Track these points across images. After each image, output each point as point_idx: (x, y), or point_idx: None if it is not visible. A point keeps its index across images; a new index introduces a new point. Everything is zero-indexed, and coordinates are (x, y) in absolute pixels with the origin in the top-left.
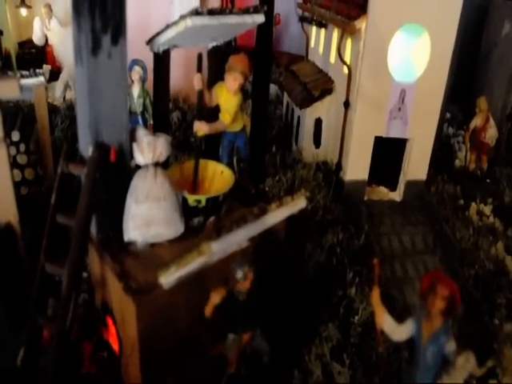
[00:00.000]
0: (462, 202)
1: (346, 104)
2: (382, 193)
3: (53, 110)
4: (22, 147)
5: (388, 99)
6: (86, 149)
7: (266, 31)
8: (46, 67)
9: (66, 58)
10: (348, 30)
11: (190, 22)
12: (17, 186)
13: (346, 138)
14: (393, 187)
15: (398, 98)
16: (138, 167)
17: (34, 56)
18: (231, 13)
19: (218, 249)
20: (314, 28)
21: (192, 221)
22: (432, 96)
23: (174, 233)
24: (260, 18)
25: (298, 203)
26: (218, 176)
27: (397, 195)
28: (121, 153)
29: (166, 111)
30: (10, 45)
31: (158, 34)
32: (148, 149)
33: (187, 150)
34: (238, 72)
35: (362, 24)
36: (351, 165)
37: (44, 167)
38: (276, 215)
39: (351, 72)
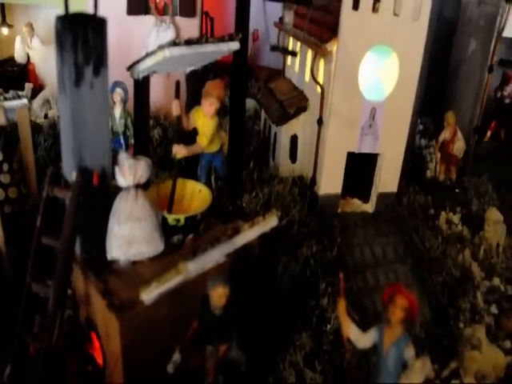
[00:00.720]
0: (432, 211)
1: (320, 122)
2: (356, 205)
3: (36, 128)
4: (6, 167)
5: (359, 117)
6: (70, 173)
7: (241, 55)
8: (28, 85)
9: (48, 75)
10: (320, 52)
11: (168, 52)
12: (0, 204)
13: (320, 154)
14: (366, 199)
15: (369, 115)
16: (119, 188)
17: (16, 74)
18: (207, 42)
19: (194, 268)
20: (291, 47)
21: (172, 239)
22: (401, 113)
23: (155, 251)
24: (235, 46)
25: (270, 222)
26: (197, 195)
27: (369, 207)
28: (103, 176)
29: (147, 131)
30: None
31: (137, 61)
32: (129, 172)
33: (168, 167)
34: (213, 97)
35: (333, 46)
36: (325, 180)
37: (27, 186)
38: (248, 234)
39: (324, 91)
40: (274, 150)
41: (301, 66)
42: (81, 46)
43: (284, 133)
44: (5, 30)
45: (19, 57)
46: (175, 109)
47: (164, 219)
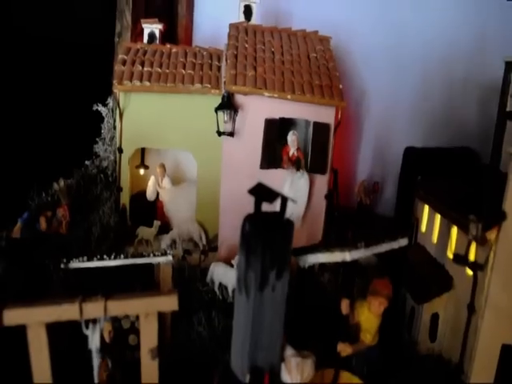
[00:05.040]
0: None
1: (471, 309)
2: None
3: None
4: None
5: None
6: (241, 372)
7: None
8: (157, 223)
9: (175, 214)
10: (478, 242)
11: (348, 256)
12: (131, 350)
13: (470, 343)
14: None
15: None
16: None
17: (145, 210)
18: (383, 242)
19: None
20: (426, 212)
21: None
22: None
23: None
24: (404, 242)
25: None
26: None
27: None
28: (272, 375)
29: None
30: (127, 200)
31: (306, 250)
32: (296, 371)
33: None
34: (383, 297)
35: (492, 235)
36: (475, 371)
37: (162, 336)
38: None
39: (477, 278)
40: (409, 324)
41: (440, 240)
42: (268, 251)
43: (424, 310)
44: (142, 171)
45: (150, 195)
46: (345, 308)
47: None
